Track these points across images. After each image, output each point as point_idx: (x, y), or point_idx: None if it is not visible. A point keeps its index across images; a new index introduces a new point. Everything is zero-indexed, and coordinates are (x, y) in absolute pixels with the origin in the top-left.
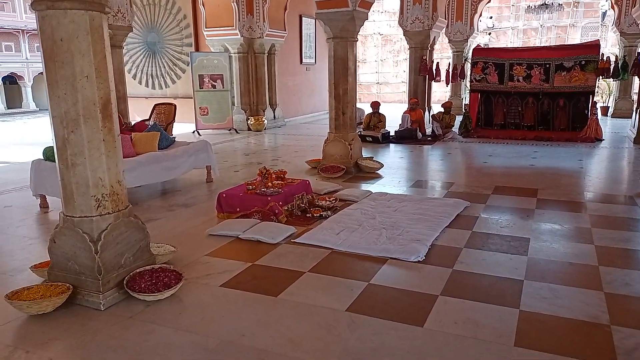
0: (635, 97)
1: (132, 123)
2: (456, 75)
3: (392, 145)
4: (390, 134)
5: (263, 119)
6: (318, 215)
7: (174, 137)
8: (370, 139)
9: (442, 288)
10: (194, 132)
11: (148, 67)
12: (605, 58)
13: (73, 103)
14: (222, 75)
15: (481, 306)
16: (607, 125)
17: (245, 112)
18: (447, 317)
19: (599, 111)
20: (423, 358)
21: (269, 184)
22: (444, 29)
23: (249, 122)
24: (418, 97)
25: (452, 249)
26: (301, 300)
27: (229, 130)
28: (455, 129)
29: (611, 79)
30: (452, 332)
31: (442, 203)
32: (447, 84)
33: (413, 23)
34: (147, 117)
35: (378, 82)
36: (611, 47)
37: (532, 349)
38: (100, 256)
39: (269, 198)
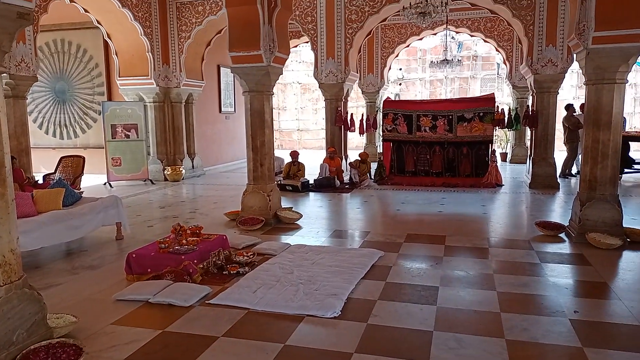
0: (529, 144)
1: (36, 178)
2: (369, 125)
3: (311, 194)
4: (310, 183)
5: (180, 169)
6: (235, 272)
7: (82, 192)
8: (290, 188)
9: (356, 345)
10: (105, 184)
11: (56, 116)
12: (500, 110)
13: None
14: (137, 124)
15: None
16: (506, 171)
17: (162, 161)
18: None
19: (498, 158)
20: None
21: (184, 241)
22: (357, 81)
23: (165, 172)
24: (335, 146)
25: (367, 301)
26: None
27: (144, 181)
28: (372, 175)
29: (506, 129)
30: None
31: (358, 254)
32: (361, 134)
33: (327, 76)
34: (53, 171)
35: (299, 129)
36: (507, 97)
37: None
38: None
39: (183, 257)
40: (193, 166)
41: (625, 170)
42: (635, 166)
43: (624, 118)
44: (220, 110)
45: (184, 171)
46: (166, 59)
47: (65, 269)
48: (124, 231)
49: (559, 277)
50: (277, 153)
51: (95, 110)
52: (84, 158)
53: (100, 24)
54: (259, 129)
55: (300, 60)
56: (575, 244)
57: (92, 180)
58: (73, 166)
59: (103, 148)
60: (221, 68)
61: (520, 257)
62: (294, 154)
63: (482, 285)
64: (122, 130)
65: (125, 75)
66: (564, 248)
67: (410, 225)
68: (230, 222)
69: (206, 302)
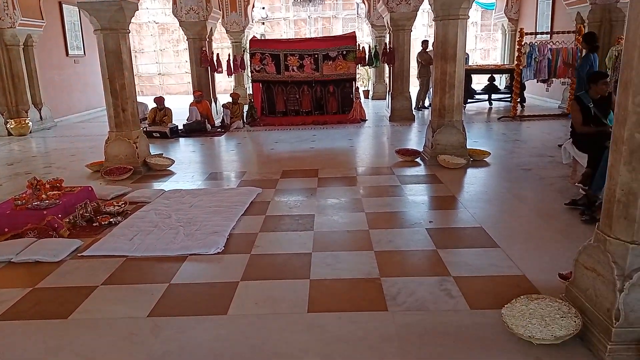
0: (387, 81)
1: None
2: (237, 66)
3: (181, 140)
4: (179, 128)
5: (26, 121)
6: (107, 222)
7: None
8: (158, 135)
9: (242, 274)
10: None
11: None
12: (361, 48)
13: None
14: None
15: (278, 283)
16: (369, 107)
17: (3, 114)
18: (248, 299)
19: (362, 95)
20: (228, 344)
21: (43, 195)
22: (220, 20)
23: (8, 126)
24: (202, 88)
25: (248, 235)
26: (96, 316)
27: None
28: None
29: (367, 67)
30: (254, 313)
31: (236, 192)
32: (229, 75)
33: (188, 13)
34: None
35: (160, 73)
36: (366, 37)
37: (322, 311)
38: None
39: (45, 212)
40: (41, 118)
41: (469, 100)
42: (477, 96)
43: (467, 54)
44: (67, 54)
45: (30, 124)
46: None
47: None
48: None
49: (417, 195)
50: (139, 99)
51: None
52: None
53: None
54: (117, 71)
55: None
56: (429, 166)
57: None
58: None
59: None
60: (64, 5)
61: (384, 181)
62: (159, 100)
63: (353, 209)
64: None
65: None
66: (420, 170)
67: (284, 162)
68: (94, 174)
69: (78, 255)
